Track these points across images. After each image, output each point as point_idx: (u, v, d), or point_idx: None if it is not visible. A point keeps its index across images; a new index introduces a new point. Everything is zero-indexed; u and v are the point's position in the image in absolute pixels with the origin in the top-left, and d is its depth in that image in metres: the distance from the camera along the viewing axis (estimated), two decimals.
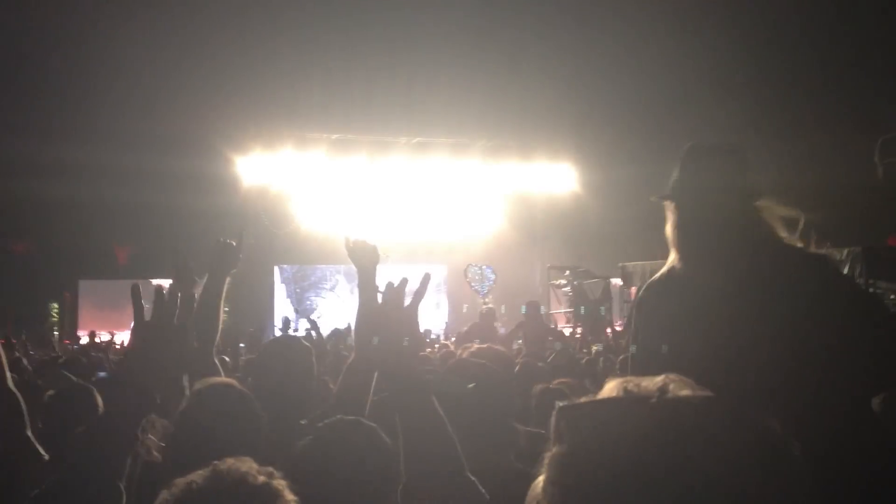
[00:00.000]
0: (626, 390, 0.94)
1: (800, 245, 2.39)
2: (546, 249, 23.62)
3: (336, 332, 11.04)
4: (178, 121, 18.07)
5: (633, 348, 2.51)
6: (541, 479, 0.93)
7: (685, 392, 0.91)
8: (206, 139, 19.42)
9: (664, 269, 2.52)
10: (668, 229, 2.55)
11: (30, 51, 16.33)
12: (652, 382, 0.93)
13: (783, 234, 2.40)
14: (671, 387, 0.91)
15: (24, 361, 7.97)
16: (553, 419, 0.92)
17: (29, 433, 2.80)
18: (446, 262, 24.93)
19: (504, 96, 19.46)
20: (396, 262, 26.84)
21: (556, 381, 4.58)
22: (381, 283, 2.09)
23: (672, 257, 2.52)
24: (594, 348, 12.39)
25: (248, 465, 1.56)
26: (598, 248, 20.65)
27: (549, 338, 8.84)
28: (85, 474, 1.86)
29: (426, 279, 2.04)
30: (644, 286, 2.50)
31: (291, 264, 24.26)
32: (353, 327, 14.17)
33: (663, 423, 0.86)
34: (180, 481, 1.53)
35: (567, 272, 21.33)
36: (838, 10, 15.98)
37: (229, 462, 1.56)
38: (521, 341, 10.40)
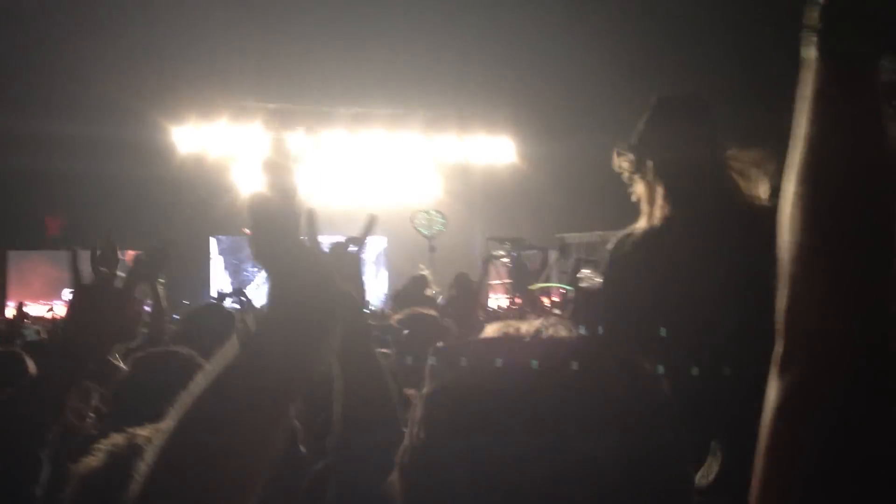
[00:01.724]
0: (504, 333, 0.93)
1: (766, 201, 2.38)
2: (485, 221, 23.70)
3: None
4: (111, 88, 17.59)
5: (603, 306, 2.50)
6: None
7: (562, 333, 0.91)
8: (140, 107, 18.95)
9: (635, 226, 2.50)
10: (632, 183, 2.52)
11: None
12: (530, 324, 0.93)
13: (751, 186, 2.39)
14: (549, 329, 0.91)
15: None
16: (428, 360, 0.91)
17: None
18: (386, 233, 24.86)
19: (443, 67, 19.38)
20: (336, 233, 26.74)
21: None
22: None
23: (645, 211, 2.48)
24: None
25: None
26: (537, 220, 20.79)
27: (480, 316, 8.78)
28: (4, 440, 1.79)
29: (372, 220, 1.99)
30: (615, 242, 2.46)
31: (228, 235, 23.92)
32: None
33: (532, 359, 0.87)
34: (119, 438, 1.48)
35: (506, 243, 21.44)
36: None
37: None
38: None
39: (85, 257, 2.05)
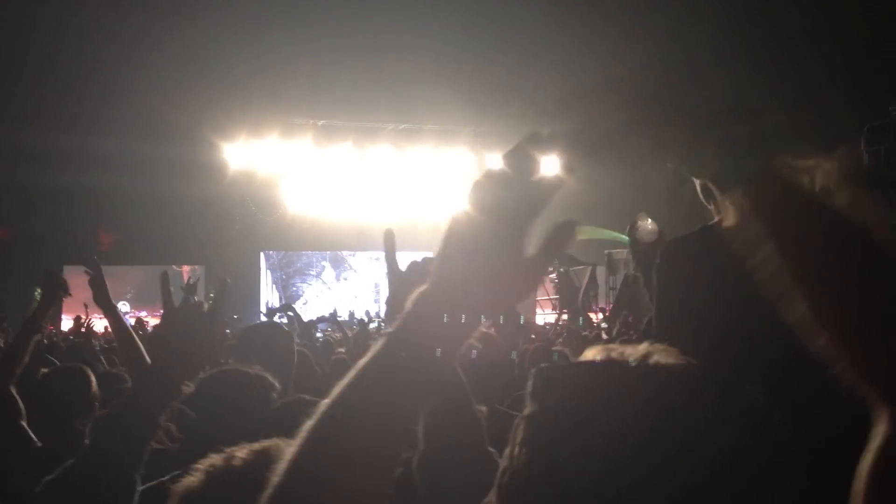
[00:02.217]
0: (607, 356, 0.92)
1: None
2: (532, 236, 23.64)
3: (321, 319, 10.98)
4: (164, 107, 17.93)
5: (653, 311, 2.46)
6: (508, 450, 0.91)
7: (668, 360, 0.89)
8: (192, 125, 19.31)
9: (693, 231, 2.45)
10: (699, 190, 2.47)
11: (15, 37, 16.17)
12: (635, 350, 0.91)
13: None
14: (654, 355, 0.90)
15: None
16: (530, 380, 0.91)
17: (22, 422, 2.79)
18: (433, 248, 24.90)
19: (490, 83, 19.42)
20: (382, 248, 26.81)
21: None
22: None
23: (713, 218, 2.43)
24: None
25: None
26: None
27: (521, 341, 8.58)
28: (102, 461, 1.79)
29: (388, 236, 1.98)
30: (670, 243, 2.42)
31: (277, 250, 24.21)
32: (337, 314, 14.04)
33: (641, 388, 0.85)
34: (217, 459, 1.45)
35: (554, 260, 21.37)
36: None
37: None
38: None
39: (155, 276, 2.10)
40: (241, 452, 1.44)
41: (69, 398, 2.72)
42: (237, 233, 22.19)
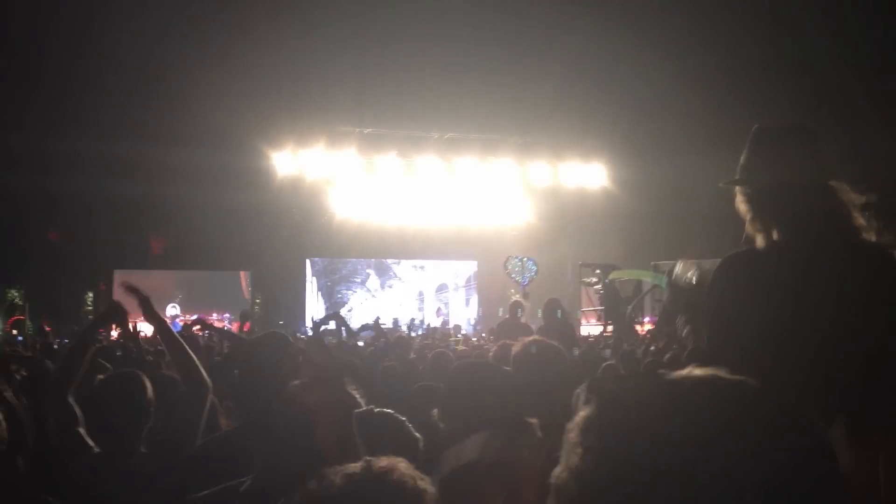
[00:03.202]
0: (660, 371, 0.95)
1: (871, 233, 2.35)
2: (577, 246, 23.54)
3: (364, 327, 10.98)
4: (215, 117, 18.23)
5: (710, 321, 2.48)
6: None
7: (721, 375, 0.91)
8: (241, 134, 19.58)
9: (744, 247, 2.49)
10: (745, 214, 2.51)
11: (73, 47, 16.56)
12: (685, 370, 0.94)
13: (857, 215, 2.36)
14: (707, 371, 0.92)
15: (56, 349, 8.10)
16: (582, 391, 0.93)
17: (80, 429, 2.85)
18: (477, 257, 24.94)
19: (535, 94, 19.41)
20: (428, 257, 26.52)
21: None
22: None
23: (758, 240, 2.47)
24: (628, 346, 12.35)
25: (402, 466, 1.47)
26: (630, 246, 20.55)
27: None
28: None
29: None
30: (727, 259, 2.47)
31: (323, 257, 24.39)
32: (381, 321, 14.07)
33: (691, 397, 0.88)
34: (334, 474, 1.44)
35: (598, 270, 21.25)
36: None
37: (385, 461, 1.47)
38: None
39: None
40: (383, 462, 1.43)
41: (126, 404, 2.77)
42: (284, 240, 22.41)
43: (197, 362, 2.93)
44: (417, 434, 2.04)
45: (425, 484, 1.45)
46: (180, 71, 17.13)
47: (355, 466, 1.40)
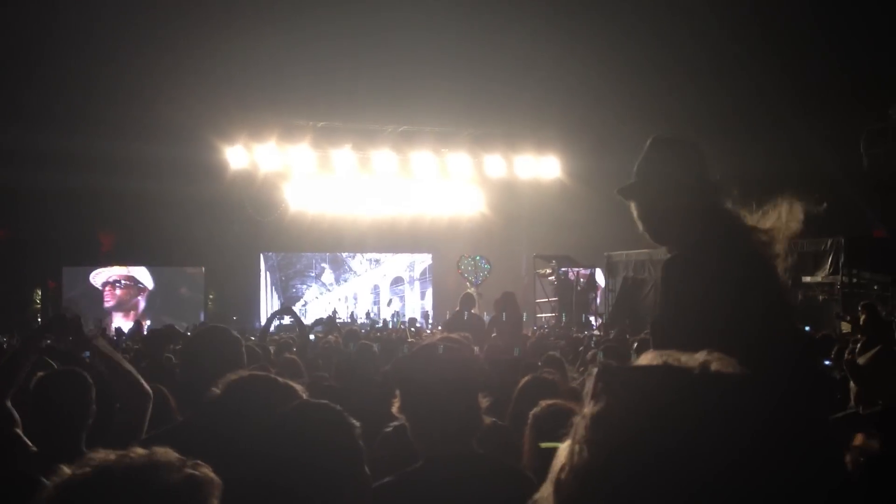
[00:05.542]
0: (665, 363, 0.92)
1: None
2: (532, 238, 23.65)
3: (318, 322, 10.89)
4: (165, 109, 17.95)
5: (658, 318, 2.55)
6: (565, 444, 0.91)
7: (728, 369, 0.91)
8: (192, 127, 19.32)
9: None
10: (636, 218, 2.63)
11: (15, 38, 16.19)
12: (692, 358, 0.92)
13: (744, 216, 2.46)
14: (713, 364, 0.91)
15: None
16: (593, 378, 0.91)
17: (17, 430, 2.79)
18: (431, 250, 24.94)
19: (490, 86, 19.45)
20: (382, 250, 26.48)
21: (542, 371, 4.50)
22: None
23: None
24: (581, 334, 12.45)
25: (167, 455, 1.38)
26: (583, 238, 20.69)
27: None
28: None
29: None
30: (667, 261, 2.56)
31: (277, 251, 24.21)
32: (337, 315, 14.00)
33: (704, 394, 0.86)
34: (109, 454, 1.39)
35: (552, 261, 21.39)
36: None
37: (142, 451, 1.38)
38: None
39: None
40: (137, 453, 1.38)
41: (67, 402, 2.71)
42: (237, 234, 22.18)
43: (134, 375, 2.88)
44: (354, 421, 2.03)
45: (198, 470, 1.39)
46: (131, 63, 16.87)
47: (111, 455, 1.35)
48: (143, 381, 2.87)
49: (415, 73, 18.70)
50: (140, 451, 1.35)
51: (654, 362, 0.93)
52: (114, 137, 17.95)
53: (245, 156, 21.53)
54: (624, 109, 18.08)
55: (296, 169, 22.33)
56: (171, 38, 16.92)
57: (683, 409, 0.85)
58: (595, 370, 0.92)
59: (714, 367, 0.90)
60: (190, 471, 1.37)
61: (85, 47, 16.41)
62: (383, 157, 22.64)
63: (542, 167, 23.54)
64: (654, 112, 16.88)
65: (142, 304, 22.78)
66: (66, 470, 1.34)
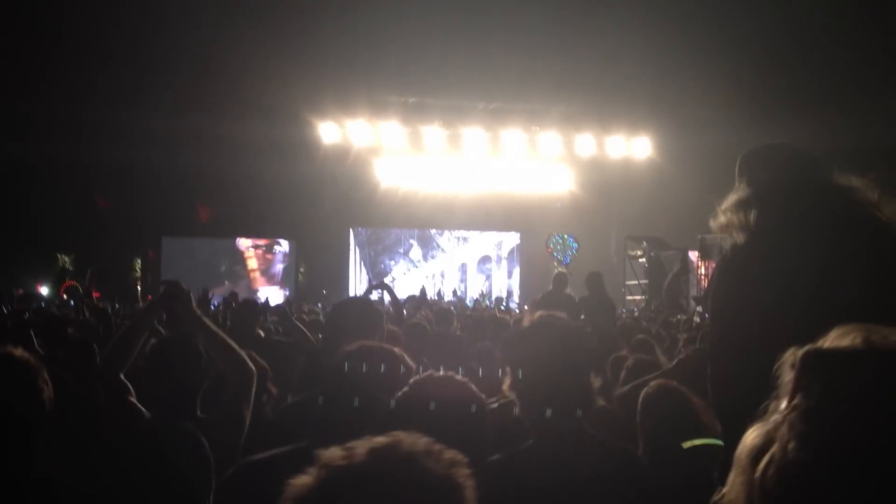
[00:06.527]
0: (870, 342, 0.82)
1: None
2: (622, 219, 23.30)
3: (410, 299, 10.88)
4: (261, 88, 18.31)
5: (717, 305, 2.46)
6: (752, 440, 0.84)
7: None
8: (286, 105, 19.66)
9: (743, 239, 2.45)
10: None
11: (119, 20, 16.68)
12: None
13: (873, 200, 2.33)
14: None
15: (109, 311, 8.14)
16: (796, 366, 0.83)
17: (131, 398, 2.84)
18: (520, 229, 24.82)
19: (582, 65, 19.14)
20: (470, 227, 26.43)
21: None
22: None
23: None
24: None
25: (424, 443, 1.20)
26: (676, 219, 20.26)
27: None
28: None
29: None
30: (729, 248, 2.45)
31: (366, 226, 24.46)
32: (425, 292, 14.04)
33: None
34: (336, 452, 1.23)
35: (644, 243, 21.03)
36: None
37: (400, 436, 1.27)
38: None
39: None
40: (363, 448, 1.21)
41: (182, 366, 2.73)
42: (327, 209, 22.52)
43: (237, 351, 2.83)
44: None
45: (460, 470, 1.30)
46: (228, 43, 17.19)
47: (381, 441, 1.22)
48: (247, 360, 2.83)
49: (506, 49, 18.55)
50: (403, 436, 1.24)
51: (852, 342, 0.83)
52: (212, 116, 18.43)
53: (337, 132, 21.78)
54: (716, 88, 17.61)
55: (386, 145, 22.48)
56: (267, 19, 17.20)
57: None
58: (796, 357, 0.84)
59: None
60: (449, 456, 1.26)
61: (188, 29, 16.80)
62: (473, 134, 22.58)
63: (634, 146, 23.12)
64: (745, 90, 16.40)
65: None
66: (333, 453, 1.21)
